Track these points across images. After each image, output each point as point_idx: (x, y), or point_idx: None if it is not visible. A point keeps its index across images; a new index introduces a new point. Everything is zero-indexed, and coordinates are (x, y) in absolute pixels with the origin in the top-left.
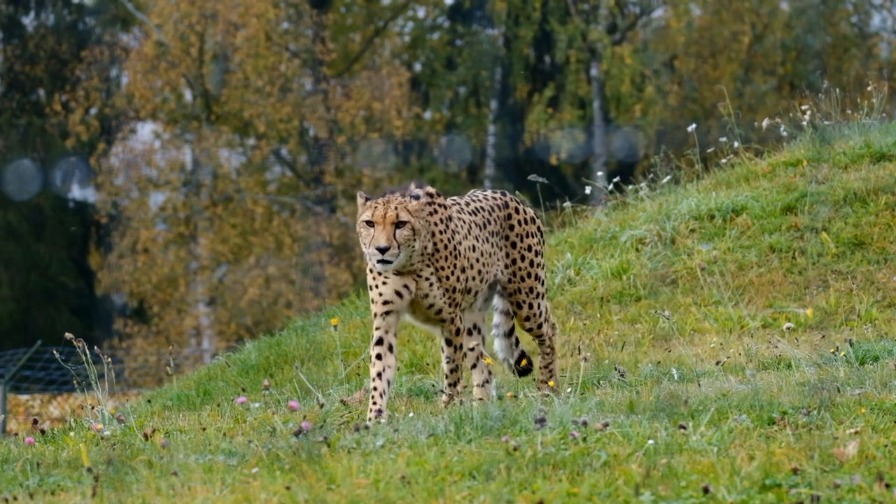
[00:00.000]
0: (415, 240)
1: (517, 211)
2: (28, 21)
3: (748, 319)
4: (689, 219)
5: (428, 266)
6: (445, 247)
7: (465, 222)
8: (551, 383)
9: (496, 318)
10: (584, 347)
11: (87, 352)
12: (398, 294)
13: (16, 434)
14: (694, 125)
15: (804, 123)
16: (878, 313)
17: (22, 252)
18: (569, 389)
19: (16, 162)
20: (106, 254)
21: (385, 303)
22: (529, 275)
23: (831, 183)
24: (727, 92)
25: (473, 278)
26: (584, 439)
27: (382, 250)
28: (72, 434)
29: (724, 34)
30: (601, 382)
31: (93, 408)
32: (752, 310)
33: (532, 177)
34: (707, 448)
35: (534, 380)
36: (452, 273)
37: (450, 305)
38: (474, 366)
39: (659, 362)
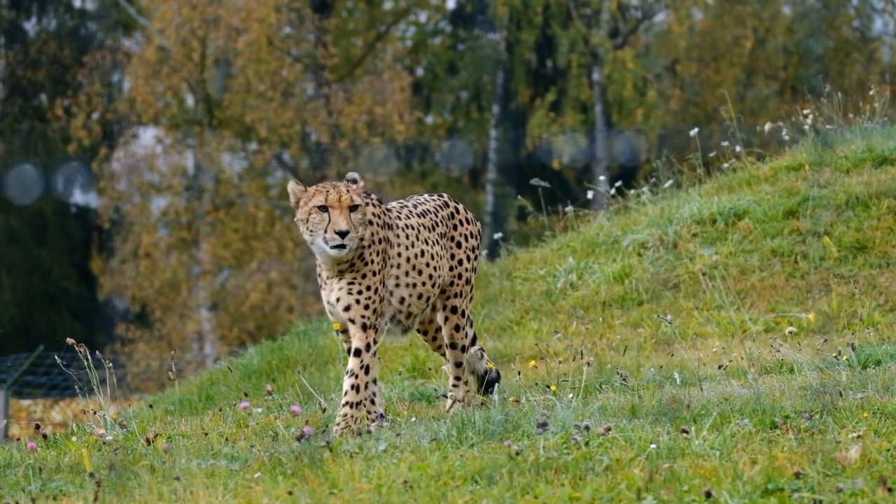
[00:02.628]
0: (364, 225)
1: (458, 211)
2: (30, 26)
3: (750, 323)
4: (690, 223)
5: (350, 271)
6: (379, 241)
7: (413, 227)
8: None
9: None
10: (586, 352)
11: (89, 357)
12: (330, 312)
13: (18, 439)
14: (696, 129)
15: (806, 127)
16: (881, 317)
17: (24, 257)
18: (571, 394)
19: (18, 167)
20: (108, 258)
21: (331, 313)
22: (470, 280)
23: (833, 187)
24: (729, 96)
25: (424, 283)
26: (587, 444)
27: (343, 234)
28: (74, 439)
29: (726, 38)
30: (603, 387)
31: (95, 413)
32: (755, 314)
33: (534, 181)
34: (709, 452)
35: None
36: (375, 274)
37: (365, 308)
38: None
39: (661, 366)
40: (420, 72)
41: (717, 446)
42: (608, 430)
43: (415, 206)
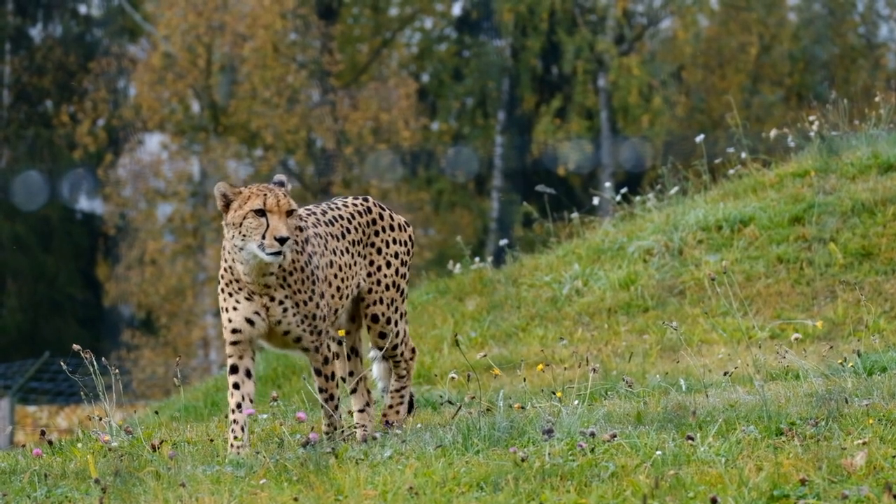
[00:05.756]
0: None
1: (381, 217)
2: (35, 32)
3: (756, 330)
4: (696, 229)
5: (282, 287)
6: (302, 269)
7: (321, 237)
8: (396, 416)
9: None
10: (591, 358)
11: (95, 363)
12: (249, 322)
13: (23, 445)
14: (701, 136)
15: (812, 134)
16: (886, 324)
17: (29, 263)
18: (576, 401)
19: (23, 173)
20: (114, 265)
21: (234, 331)
22: (394, 284)
23: (839, 193)
24: (735, 103)
25: (332, 296)
26: (592, 450)
27: (282, 240)
28: (79, 445)
29: (732, 45)
30: (609, 393)
31: (100, 419)
32: (760, 320)
33: (539, 187)
34: (715, 459)
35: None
36: (311, 298)
37: (311, 333)
38: (354, 391)
39: (667, 373)
40: (426, 78)
41: (722, 453)
42: (614, 436)
43: (323, 213)
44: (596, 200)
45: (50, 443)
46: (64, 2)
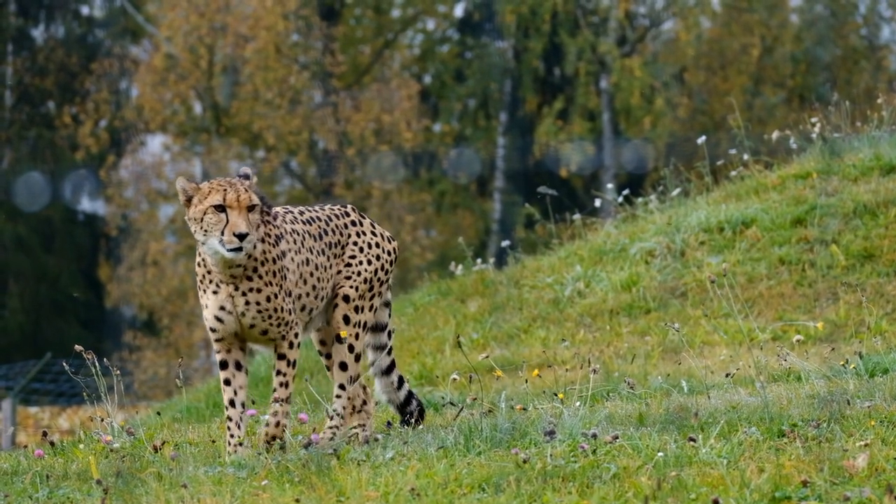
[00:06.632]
0: (260, 225)
1: (361, 223)
2: (38, 33)
3: (758, 332)
4: (698, 231)
5: (248, 280)
6: (273, 261)
7: (298, 233)
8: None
9: (370, 356)
10: (593, 360)
11: (97, 364)
12: (219, 320)
13: (25, 446)
14: (703, 137)
15: (814, 136)
16: (888, 325)
17: (31, 264)
18: (578, 402)
19: (25, 174)
20: (115, 266)
21: (212, 329)
22: (370, 281)
23: (841, 195)
24: (737, 104)
25: (308, 294)
26: (594, 452)
27: (242, 236)
28: (81, 446)
29: (734, 47)
30: (611, 395)
31: (102, 420)
32: (762, 322)
33: (542, 189)
34: (717, 460)
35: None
36: (278, 294)
37: (277, 326)
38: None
39: (668, 375)
40: (428, 79)
41: (724, 454)
42: (615, 438)
43: (301, 213)
44: (598, 202)
45: (52, 444)
46: (66, 3)
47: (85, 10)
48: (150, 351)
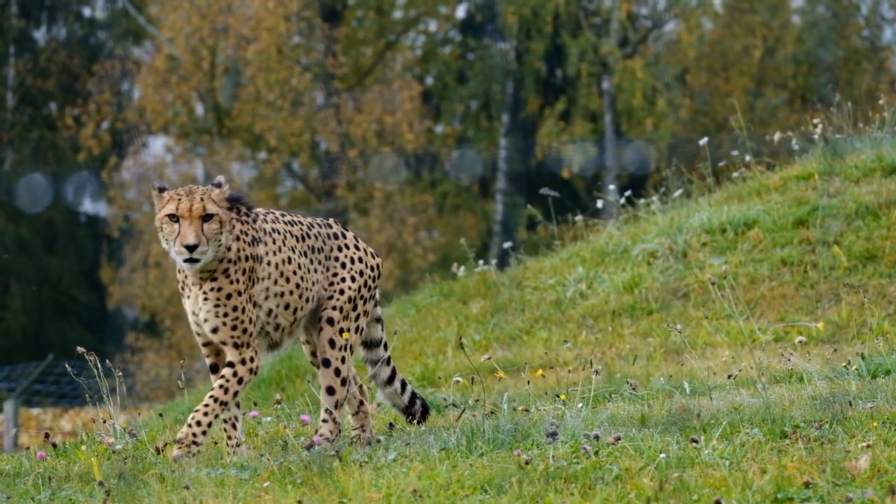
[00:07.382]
0: (221, 233)
1: (344, 236)
2: (39, 35)
3: (760, 333)
4: (700, 232)
5: (212, 280)
6: (246, 259)
7: (279, 232)
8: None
9: (369, 370)
10: (595, 361)
11: (99, 365)
12: (197, 324)
13: (27, 448)
14: (705, 139)
15: (816, 137)
16: (890, 327)
17: (33, 266)
18: (580, 403)
19: (27, 176)
20: (118, 268)
21: (196, 335)
22: (353, 300)
23: (843, 196)
24: (739, 105)
25: (291, 292)
26: (596, 453)
27: (190, 248)
28: (83, 448)
29: (736, 48)
30: (613, 396)
31: (104, 422)
32: (764, 323)
33: (544, 190)
34: (719, 462)
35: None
36: (242, 293)
37: (232, 328)
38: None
39: (671, 376)
40: (430, 81)
41: (726, 456)
42: (618, 439)
43: (283, 215)
44: (600, 203)
45: (54, 445)
46: (68, 4)
47: (87, 12)
48: (152, 352)
